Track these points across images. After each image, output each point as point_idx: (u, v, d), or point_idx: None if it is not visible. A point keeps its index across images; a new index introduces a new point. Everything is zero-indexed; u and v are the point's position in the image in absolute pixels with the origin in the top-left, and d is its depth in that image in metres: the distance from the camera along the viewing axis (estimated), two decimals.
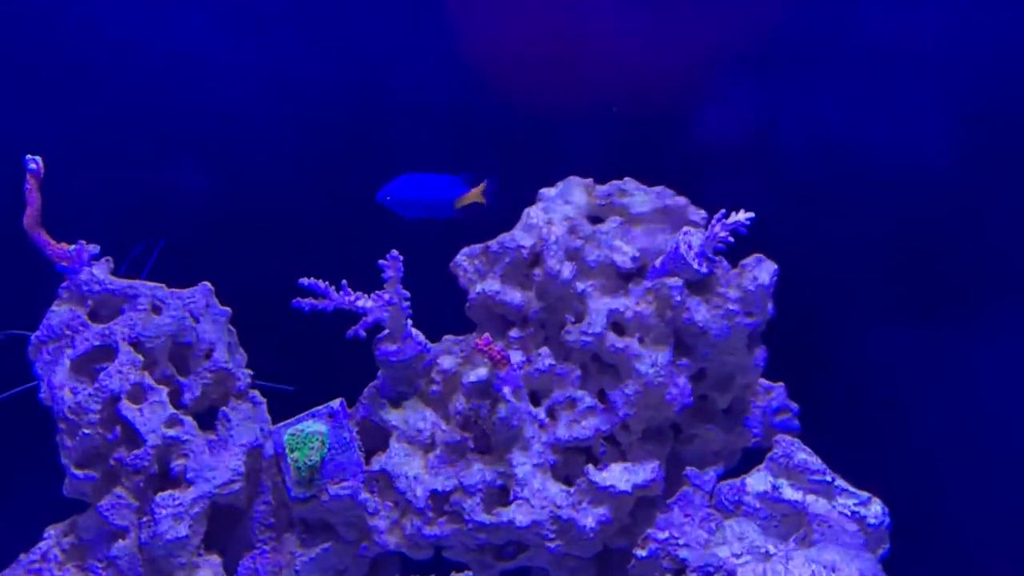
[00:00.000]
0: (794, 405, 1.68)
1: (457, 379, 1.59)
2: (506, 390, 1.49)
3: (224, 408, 1.68)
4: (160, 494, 1.52)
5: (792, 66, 1.99)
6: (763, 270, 1.53)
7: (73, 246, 1.65)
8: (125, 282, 1.65)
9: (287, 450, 1.54)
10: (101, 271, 1.65)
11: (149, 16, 2.00)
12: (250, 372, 1.70)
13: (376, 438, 1.60)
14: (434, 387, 1.59)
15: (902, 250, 2.04)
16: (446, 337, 1.66)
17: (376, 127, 2.04)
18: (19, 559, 1.65)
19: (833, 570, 1.34)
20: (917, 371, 2.06)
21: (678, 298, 1.49)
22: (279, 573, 1.58)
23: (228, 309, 1.74)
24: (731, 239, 1.49)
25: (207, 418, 1.66)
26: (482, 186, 1.67)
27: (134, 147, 2.05)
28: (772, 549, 1.39)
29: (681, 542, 1.43)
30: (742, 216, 1.47)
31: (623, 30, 1.95)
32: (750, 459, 1.59)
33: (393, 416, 1.57)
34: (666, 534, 1.45)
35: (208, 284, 1.73)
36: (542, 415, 1.53)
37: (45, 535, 1.66)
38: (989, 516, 2.06)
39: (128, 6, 1.99)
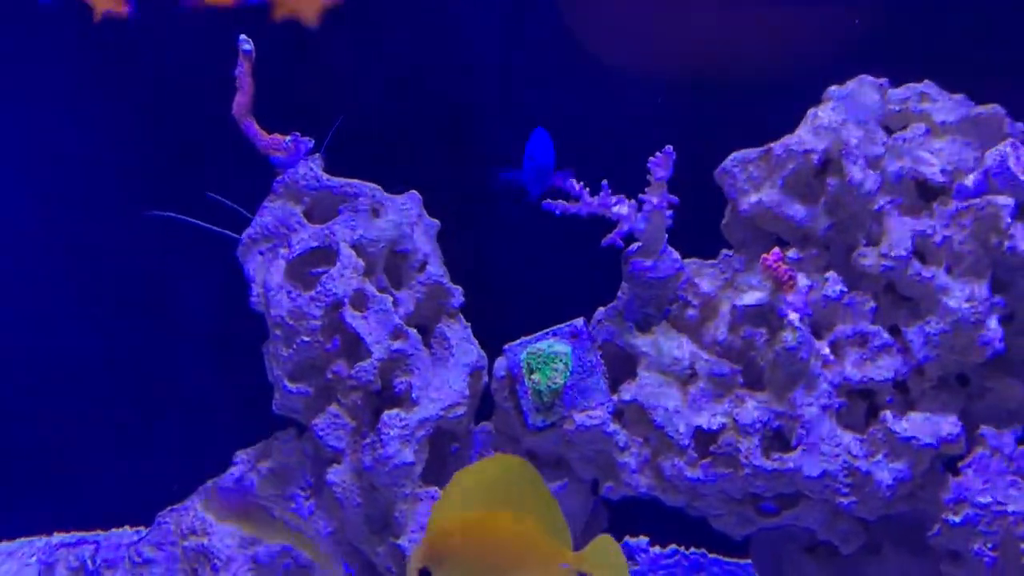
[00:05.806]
0: None
1: (718, 304, 1.38)
2: (793, 316, 1.27)
3: (440, 325, 1.51)
4: (387, 412, 1.36)
5: None
6: None
7: (288, 137, 1.50)
8: (343, 180, 1.49)
9: (525, 371, 1.36)
10: (317, 165, 1.49)
11: None
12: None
13: (616, 365, 1.40)
14: (690, 311, 1.39)
15: None
16: (689, 260, 1.45)
17: None
18: (207, 486, 1.52)
19: None
20: None
21: (1008, 220, 1.25)
22: None
23: (437, 221, 1.57)
24: None
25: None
26: None
27: None
28: None
29: (1010, 508, 1.20)
30: None
31: None
32: None
33: (642, 341, 1.37)
34: (988, 498, 1.21)
35: (417, 193, 1.55)
36: (825, 350, 1.30)
37: (236, 460, 1.53)
38: None
39: None
